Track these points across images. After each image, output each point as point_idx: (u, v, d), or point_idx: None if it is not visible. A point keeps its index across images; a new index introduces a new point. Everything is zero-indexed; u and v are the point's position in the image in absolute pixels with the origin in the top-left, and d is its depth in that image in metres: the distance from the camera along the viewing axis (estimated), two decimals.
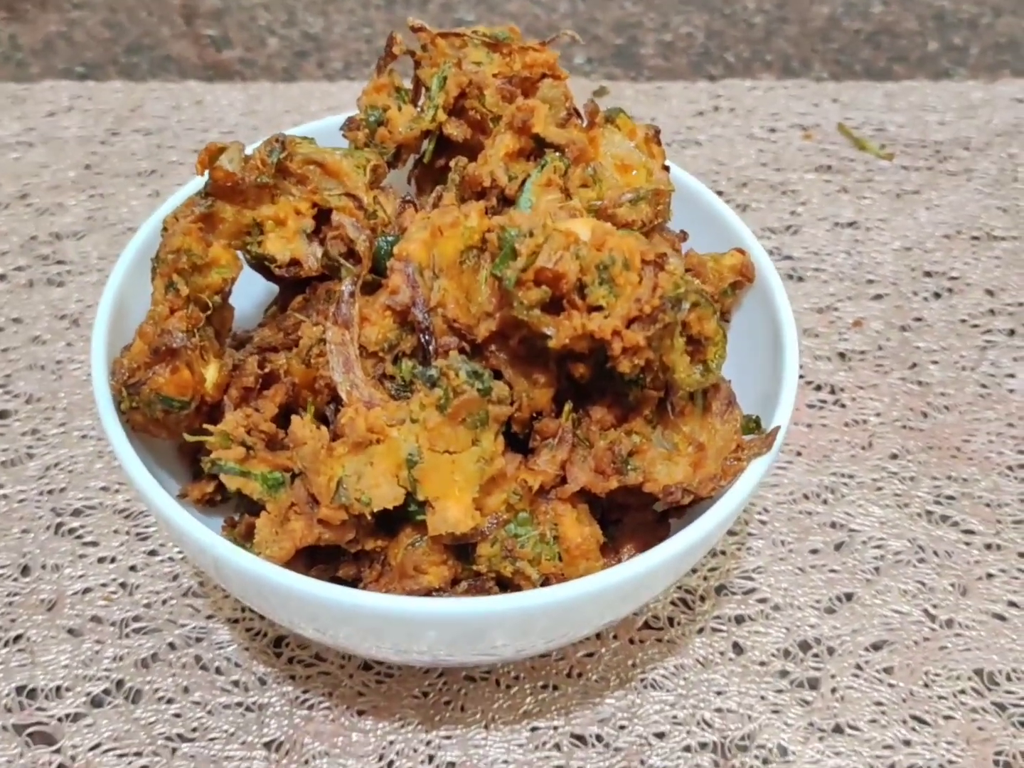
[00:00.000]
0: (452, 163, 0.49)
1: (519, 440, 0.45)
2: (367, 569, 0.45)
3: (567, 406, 0.44)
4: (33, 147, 0.84)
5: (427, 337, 0.43)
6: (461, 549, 0.44)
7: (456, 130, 0.50)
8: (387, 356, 0.45)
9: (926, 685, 0.54)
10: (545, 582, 0.44)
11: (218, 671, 0.53)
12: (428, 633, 0.42)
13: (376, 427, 0.42)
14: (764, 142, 0.87)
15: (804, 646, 0.55)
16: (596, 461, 0.44)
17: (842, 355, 0.70)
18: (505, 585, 0.44)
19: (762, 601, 0.57)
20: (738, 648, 0.55)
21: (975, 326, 0.72)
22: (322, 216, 0.49)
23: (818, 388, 0.68)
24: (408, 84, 0.53)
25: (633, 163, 0.46)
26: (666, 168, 0.49)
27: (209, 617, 0.55)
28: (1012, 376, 0.69)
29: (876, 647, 0.55)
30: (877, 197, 0.82)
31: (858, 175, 0.83)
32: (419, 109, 0.52)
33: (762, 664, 0.54)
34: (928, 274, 0.75)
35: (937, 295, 0.74)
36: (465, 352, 0.44)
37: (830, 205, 0.81)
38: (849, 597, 0.57)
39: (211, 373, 0.47)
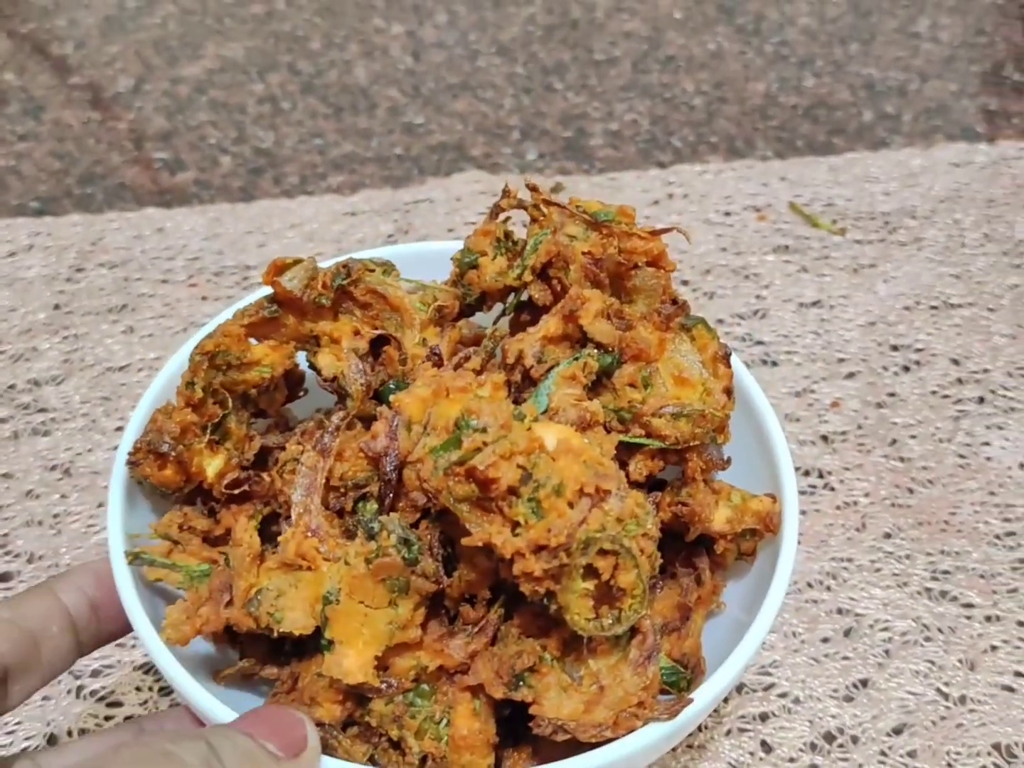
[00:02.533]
0: (488, 331, 0.51)
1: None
2: (281, 682, 0.46)
3: (499, 600, 0.44)
4: None
5: (387, 490, 0.44)
6: (363, 696, 0.44)
7: (539, 293, 0.50)
8: (350, 493, 0.46)
9: (949, 766, 0.55)
10: (424, 759, 0.43)
11: None
12: None
13: (308, 555, 0.43)
14: (721, 226, 0.89)
15: (829, 737, 0.57)
16: (499, 664, 0.43)
17: (824, 437, 0.72)
18: (398, 745, 0.44)
19: (783, 696, 0.59)
20: (766, 747, 0.57)
21: (946, 396, 0.75)
22: (381, 341, 0.51)
23: (807, 473, 0.70)
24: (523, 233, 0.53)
25: (692, 378, 0.47)
26: (728, 392, 0.49)
27: None
28: (987, 444, 0.72)
29: (897, 731, 0.57)
30: (836, 273, 0.85)
31: (815, 253, 0.86)
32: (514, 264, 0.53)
33: (791, 760, 0.56)
34: (895, 347, 0.78)
35: (906, 368, 0.77)
36: (429, 514, 0.44)
37: (793, 286, 0.83)
38: (865, 683, 0.59)
39: (214, 465, 0.49)
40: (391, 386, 0.50)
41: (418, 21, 1.19)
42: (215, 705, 0.41)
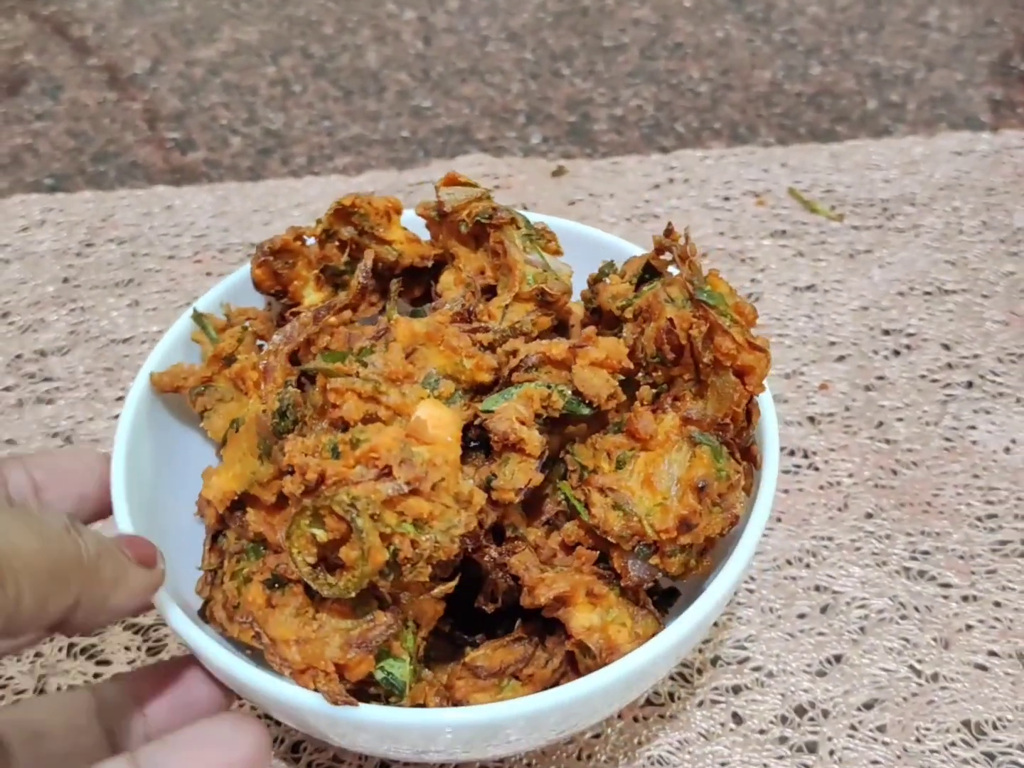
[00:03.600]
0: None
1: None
2: None
3: None
4: (9, 264, 0.86)
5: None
6: None
7: (627, 333, 0.50)
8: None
9: (918, 740, 0.56)
10: None
11: None
12: (445, 736, 0.44)
13: (247, 382, 0.50)
14: (720, 211, 0.90)
15: (800, 711, 0.58)
16: None
17: (811, 419, 0.73)
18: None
19: (756, 669, 0.60)
20: (737, 718, 0.58)
21: (935, 381, 0.75)
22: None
23: (792, 453, 0.71)
24: None
25: (659, 487, 0.45)
26: (684, 524, 0.45)
27: None
28: (973, 428, 0.72)
29: (868, 706, 0.58)
30: (831, 259, 0.85)
31: (812, 238, 0.87)
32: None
33: (761, 732, 0.57)
34: (886, 332, 0.79)
35: (896, 352, 0.77)
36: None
37: (788, 270, 0.84)
38: (838, 659, 0.60)
39: (311, 298, 0.56)
40: None
41: (430, 7, 1.20)
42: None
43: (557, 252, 0.52)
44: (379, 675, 0.42)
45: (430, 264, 0.55)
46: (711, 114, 1.03)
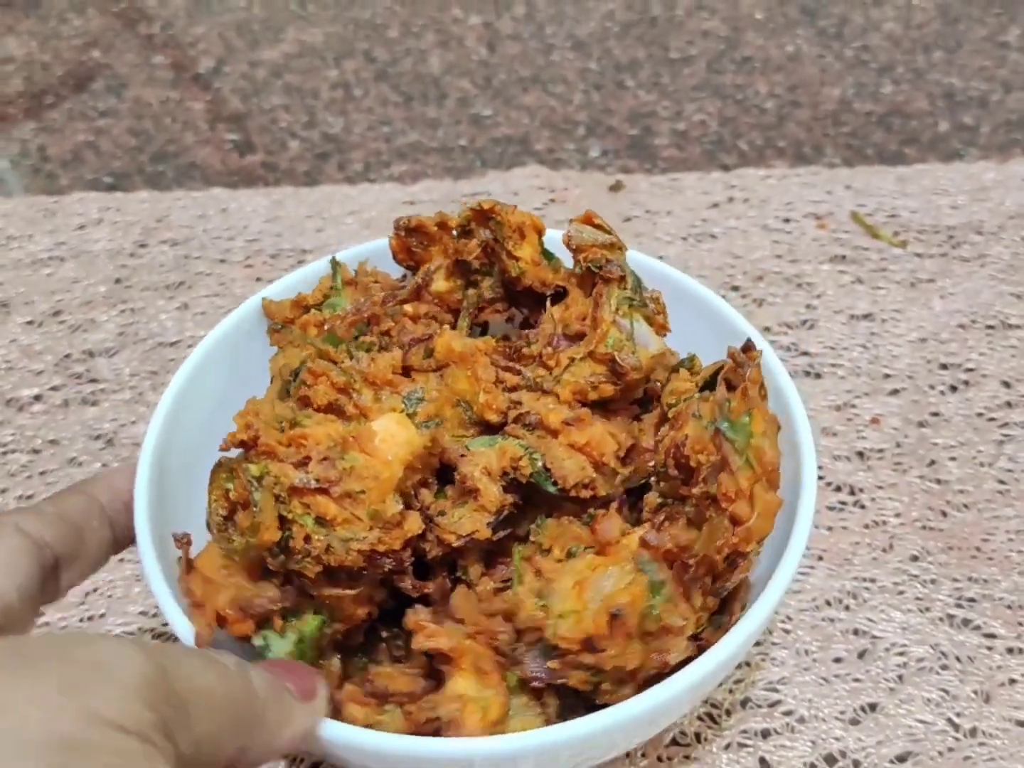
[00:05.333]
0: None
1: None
2: None
3: None
4: (64, 262, 0.87)
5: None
6: None
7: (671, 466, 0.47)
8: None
9: None
10: None
11: None
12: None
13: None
14: (779, 233, 0.88)
15: (830, 759, 0.56)
16: None
17: (860, 454, 0.71)
18: None
19: (787, 714, 0.58)
20: (765, 764, 0.56)
21: (992, 419, 0.73)
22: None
23: (838, 489, 0.69)
24: None
25: (584, 595, 0.42)
26: (586, 647, 0.43)
27: None
28: None
29: (901, 759, 0.56)
30: (892, 287, 0.83)
31: (872, 264, 0.85)
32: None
33: None
34: (944, 366, 0.76)
35: (953, 388, 0.75)
36: None
37: (845, 297, 0.82)
38: (873, 707, 0.58)
39: (440, 284, 0.55)
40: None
41: (496, 12, 1.19)
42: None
43: (661, 328, 0.50)
44: (257, 641, 0.43)
45: (550, 292, 0.53)
46: (776, 132, 1.01)
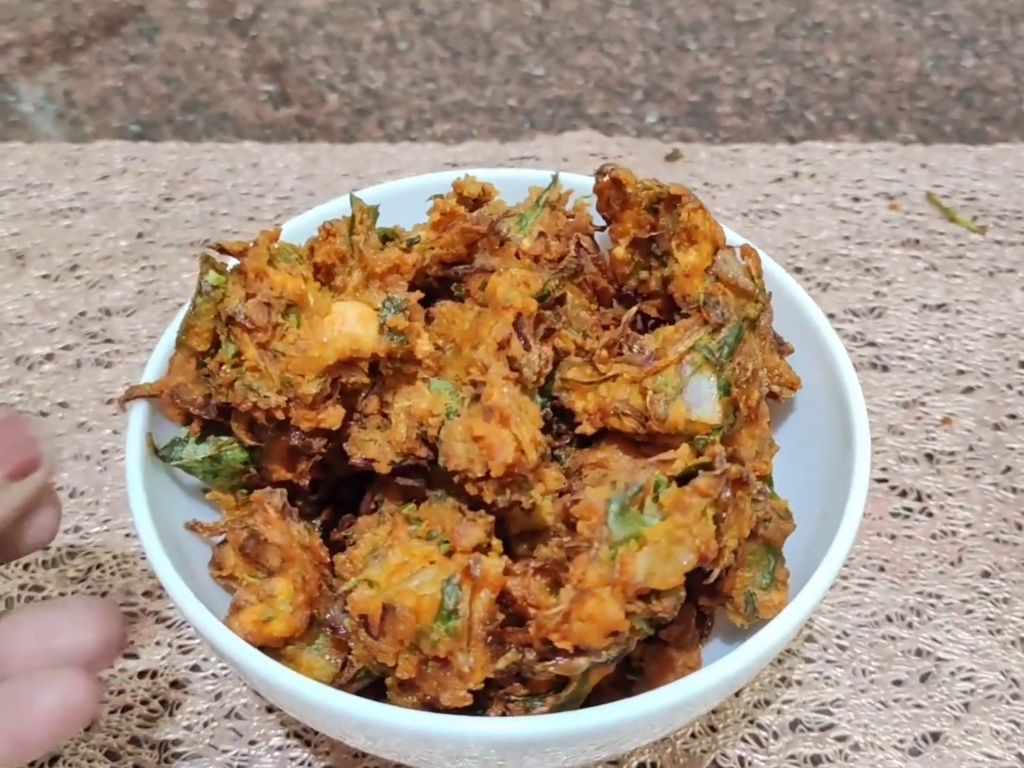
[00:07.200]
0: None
1: None
2: None
3: None
4: (85, 213, 0.82)
5: None
6: None
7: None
8: None
9: None
10: None
11: None
12: (478, 748, 0.40)
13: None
14: (847, 212, 0.82)
15: None
16: None
17: (929, 456, 0.65)
18: None
19: (841, 739, 0.53)
20: None
21: None
22: None
23: (903, 494, 0.63)
24: None
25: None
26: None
27: (252, 743, 0.52)
28: None
29: None
30: (968, 276, 0.77)
31: (948, 251, 0.79)
32: None
33: None
34: (1023, 364, 0.71)
35: None
36: None
37: (918, 285, 0.76)
38: (936, 737, 0.53)
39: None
40: None
41: None
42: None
43: (734, 403, 0.45)
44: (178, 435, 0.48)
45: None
46: (847, 104, 0.95)
